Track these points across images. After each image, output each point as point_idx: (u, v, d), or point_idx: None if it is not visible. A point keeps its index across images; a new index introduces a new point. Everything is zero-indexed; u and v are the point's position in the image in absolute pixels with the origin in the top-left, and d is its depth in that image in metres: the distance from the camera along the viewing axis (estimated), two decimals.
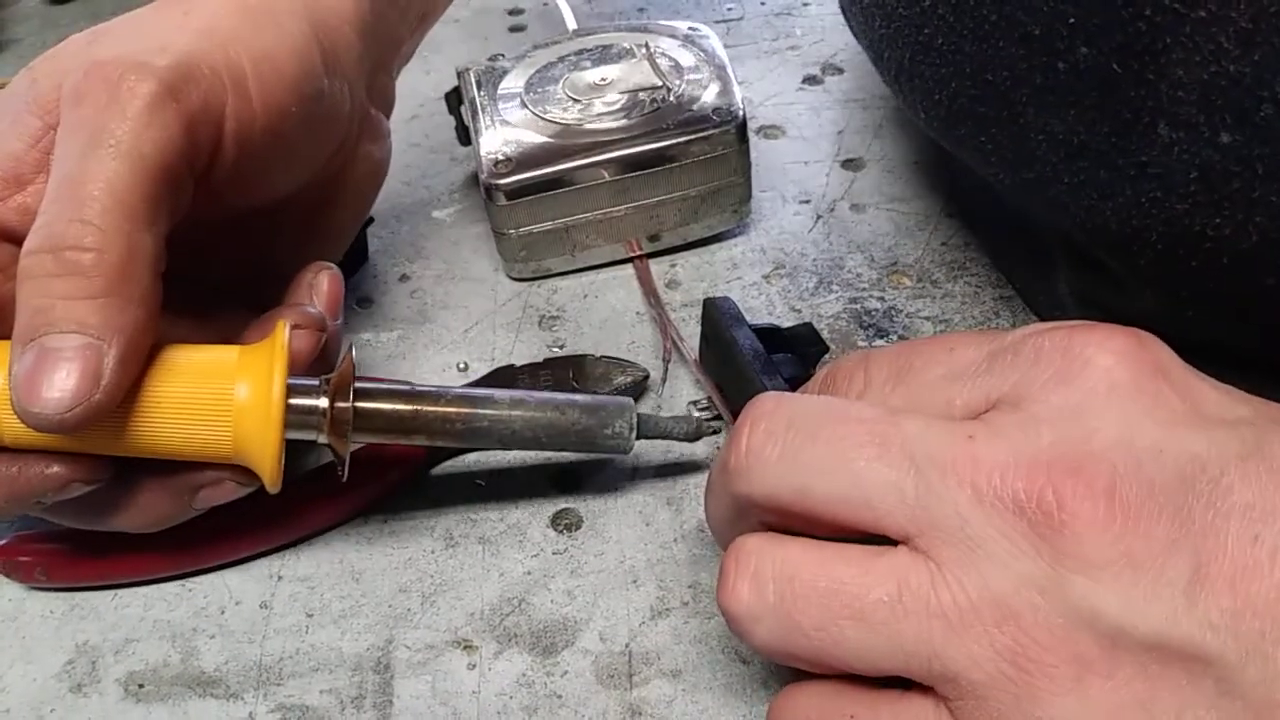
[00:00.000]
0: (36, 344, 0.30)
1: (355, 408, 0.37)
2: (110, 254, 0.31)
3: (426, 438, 0.39)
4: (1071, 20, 0.35)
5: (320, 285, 0.38)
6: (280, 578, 0.42)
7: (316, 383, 0.36)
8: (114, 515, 0.37)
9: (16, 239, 0.36)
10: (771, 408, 0.30)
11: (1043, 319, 0.49)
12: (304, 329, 0.36)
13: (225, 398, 0.34)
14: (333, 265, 0.39)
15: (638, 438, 0.40)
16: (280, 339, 0.35)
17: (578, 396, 0.40)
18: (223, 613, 0.41)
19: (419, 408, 0.38)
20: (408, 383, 0.40)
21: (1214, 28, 0.31)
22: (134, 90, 0.33)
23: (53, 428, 0.31)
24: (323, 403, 0.36)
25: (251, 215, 0.40)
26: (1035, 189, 0.41)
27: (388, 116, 0.46)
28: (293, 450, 0.36)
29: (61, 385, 0.30)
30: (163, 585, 0.42)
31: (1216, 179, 0.34)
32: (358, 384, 0.37)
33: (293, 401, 0.35)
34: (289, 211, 0.41)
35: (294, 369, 0.36)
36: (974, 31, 0.39)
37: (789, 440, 0.29)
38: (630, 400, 0.41)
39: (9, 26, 0.82)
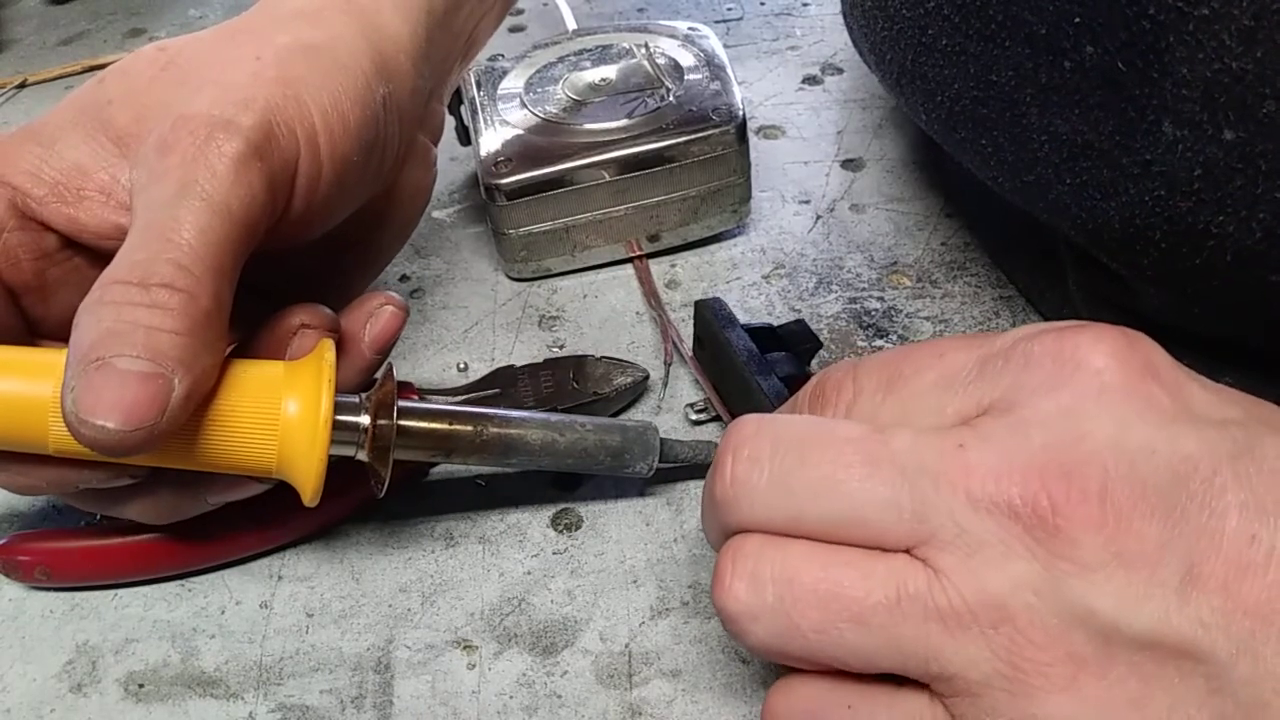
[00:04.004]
0: (105, 362, 0.30)
1: (398, 426, 0.37)
2: (201, 299, 0.31)
3: (462, 457, 0.39)
4: (1077, 19, 0.35)
5: (379, 319, 0.38)
6: (280, 577, 0.42)
7: (358, 400, 0.36)
8: (129, 505, 0.37)
9: (59, 233, 0.36)
10: (753, 431, 0.30)
11: (1047, 318, 0.49)
12: (313, 329, 0.36)
13: (273, 414, 0.34)
14: (399, 302, 0.38)
15: (660, 462, 0.41)
16: (327, 356, 0.35)
17: (606, 421, 0.41)
18: (223, 612, 0.41)
19: (457, 428, 0.38)
20: (443, 400, 0.40)
21: (1217, 25, 0.31)
22: (222, 150, 0.33)
23: (110, 445, 0.30)
24: (365, 420, 0.36)
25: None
26: (1036, 191, 0.41)
27: (436, 143, 0.45)
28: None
29: (128, 405, 0.30)
30: (163, 585, 0.42)
31: (1220, 176, 0.34)
32: (399, 403, 0.37)
33: (338, 418, 0.35)
34: (328, 236, 0.40)
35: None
36: (979, 32, 0.39)
37: (775, 465, 0.29)
38: (655, 426, 0.41)
39: (9, 26, 0.82)
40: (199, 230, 0.32)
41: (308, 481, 0.34)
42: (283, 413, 0.34)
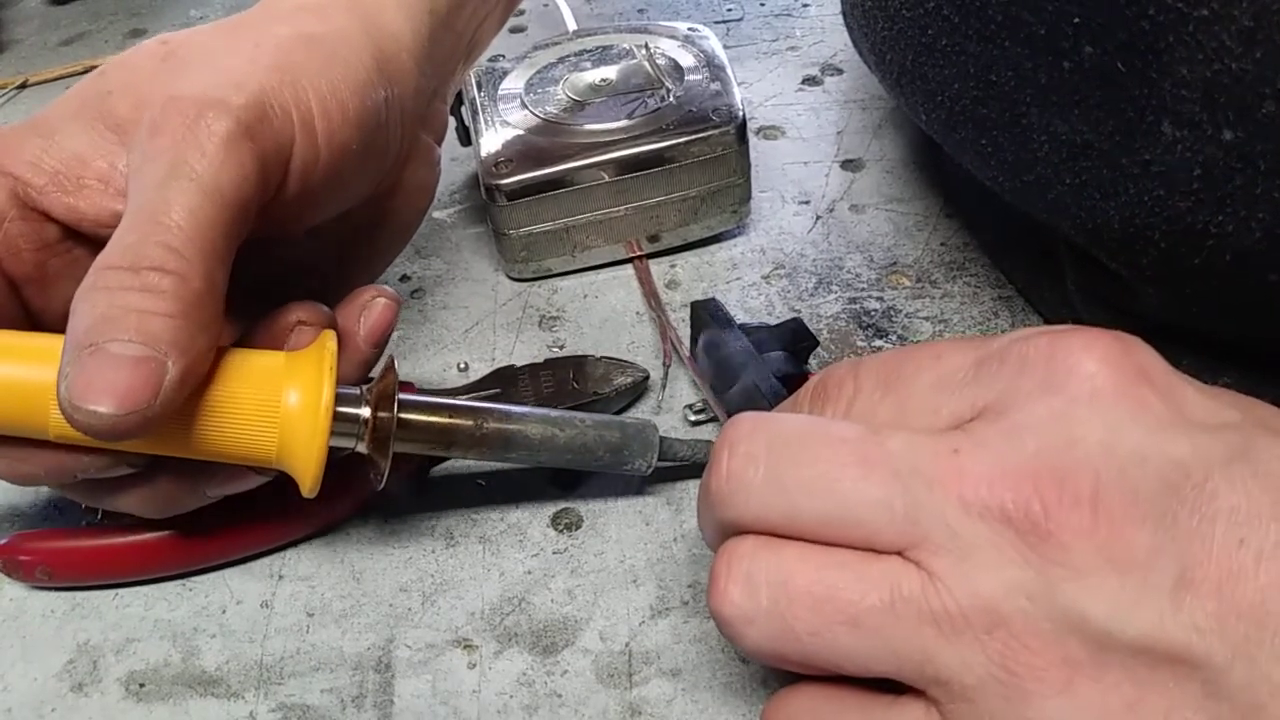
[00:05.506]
0: (99, 348, 0.30)
1: (398, 418, 0.37)
2: (192, 281, 0.31)
3: (462, 451, 0.39)
4: (1076, 20, 0.35)
5: (373, 311, 0.38)
6: (281, 577, 0.42)
7: (358, 392, 0.36)
8: (127, 496, 0.37)
9: (60, 224, 0.36)
10: (749, 429, 0.30)
11: (1047, 318, 0.49)
12: (309, 325, 0.36)
13: (273, 403, 0.34)
14: (392, 294, 0.38)
15: (659, 460, 0.41)
16: (329, 346, 0.35)
17: (606, 417, 0.41)
18: (224, 612, 0.41)
19: (457, 421, 0.38)
20: (444, 394, 0.40)
21: (1216, 26, 0.32)
22: (211, 128, 0.33)
23: (104, 429, 0.30)
24: (365, 412, 0.36)
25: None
26: (1035, 191, 0.41)
27: (440, 142, 0.45)
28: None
29: (122, 389, 0.30)
30: (164, 584, 0.42)
31: (1219, 176, 0.34)
32: (399, 395, 0.37)
33: (338, 409, 0.35)
34: (327, 230, 0.40)
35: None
36: (979, 32, 0.39)
37: (771, 463, 0.29)
38: (654, 424, 0.41)
39: (10, 27, 0.82)
40: (189, 211, 0.31)
41: (307, 471, 0.34)
42: (283, 402, 0.34)
